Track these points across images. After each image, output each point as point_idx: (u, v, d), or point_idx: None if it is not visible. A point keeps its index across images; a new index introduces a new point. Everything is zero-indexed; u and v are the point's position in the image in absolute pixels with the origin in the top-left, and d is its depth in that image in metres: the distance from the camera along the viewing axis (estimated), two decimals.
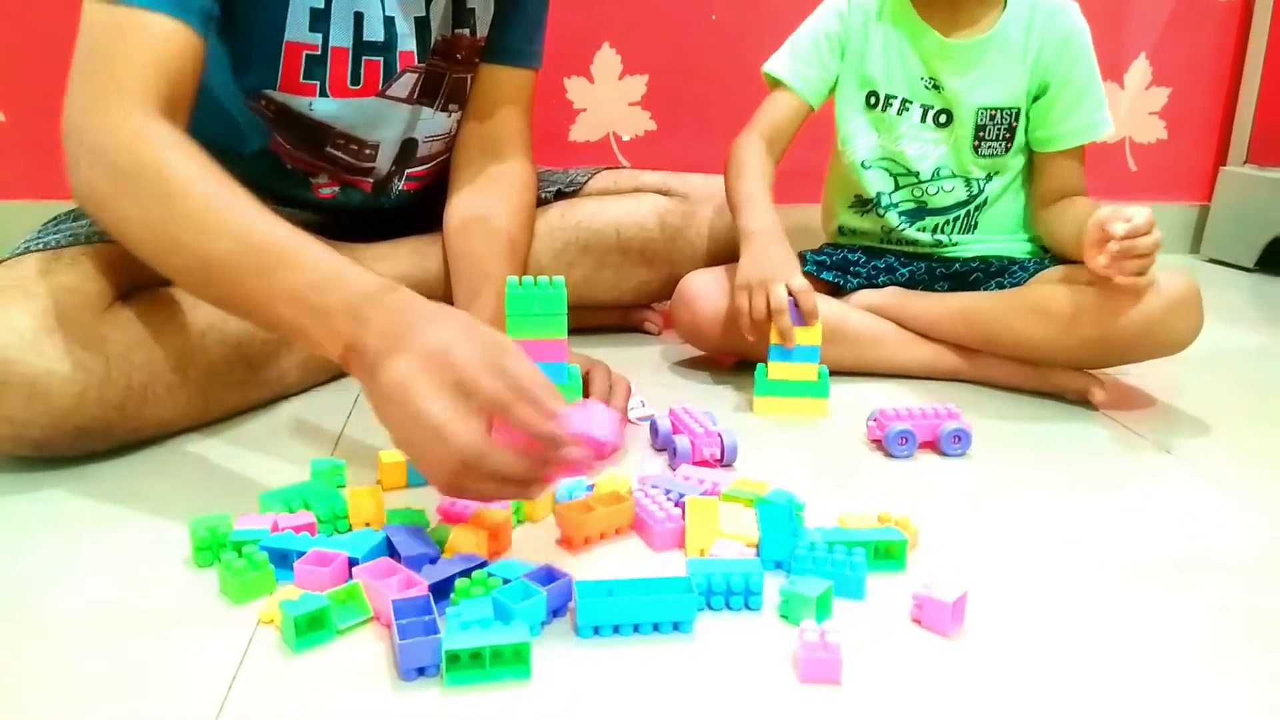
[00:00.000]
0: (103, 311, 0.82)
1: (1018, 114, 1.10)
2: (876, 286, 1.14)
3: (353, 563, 0.63)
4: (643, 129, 1.73)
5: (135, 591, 0.63)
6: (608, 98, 1.70)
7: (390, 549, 0.66)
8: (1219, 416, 1.02)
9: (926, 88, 1.10)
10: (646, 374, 1.12)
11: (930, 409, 0.90)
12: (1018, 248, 1.15)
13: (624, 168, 1.31)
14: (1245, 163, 1.80)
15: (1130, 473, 0.88)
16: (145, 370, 0.82)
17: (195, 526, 0.66)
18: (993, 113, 1.09)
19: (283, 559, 0.64)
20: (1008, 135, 1.10)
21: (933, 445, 0.89)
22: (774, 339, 0.97)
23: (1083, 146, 1.11)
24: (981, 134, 1.10)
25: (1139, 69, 1.81)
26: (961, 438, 0.88)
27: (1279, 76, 1.74)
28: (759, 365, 0.99)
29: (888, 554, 0.68)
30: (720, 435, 0.84)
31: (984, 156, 1.11)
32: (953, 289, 1.12)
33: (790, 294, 0.96)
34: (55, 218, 0.99)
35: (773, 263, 0.99)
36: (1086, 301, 0.97)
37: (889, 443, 0.88)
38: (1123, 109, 1.82)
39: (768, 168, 1.11)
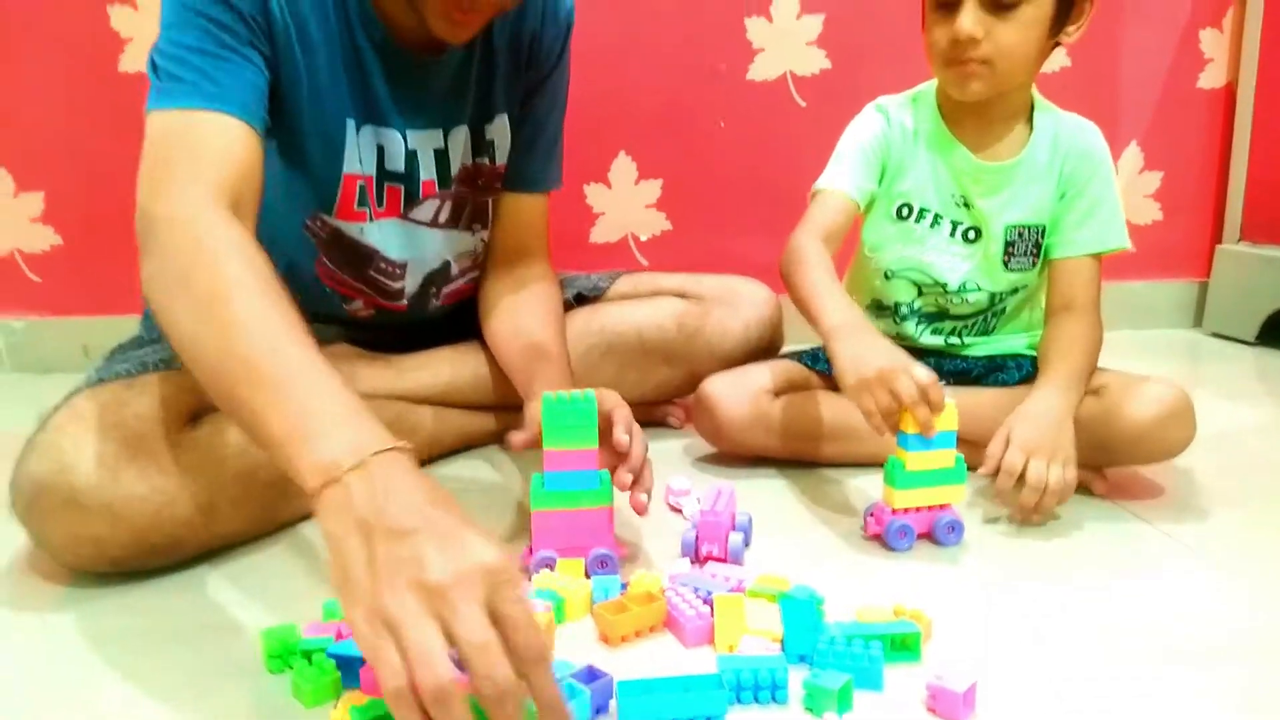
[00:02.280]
0: (173, 436, 0.90)
1: (1044, 230, 1.14)
2: None
3: None
4: (659, 229, 1.82)
5: (217, 699, 0.69)
6: (625, 201, 1.80)
7: None
8: (1222, 499, 1.07)
9: (957, 204, 1.14)
10: (673, 466, 1.19)
11: None
12: (1026, 345, 1.20)
13: (642, 271, 1.39)
14: (1239, 240, 1.87)
15: (1133, 559, 0.93)
16: (211, 489, 0.89)
17: (267, 637, 0.73)
18: (1021, 230, 1.14)
19: (348, 665, 0.70)
20: (1035, 250, 1.14)
21: (928, 535, 0.95)
22: (907, 428, 0.93)
23: (1095, 259, 1.13)
24: (1011, 249, 1.14)
25: (1131, 155, 1.90)
26: (955, 528, 0.94)
27: (1265, 159, 1.82)
28: (891, 459, 0.94)
29: (903, 646, 0.73)
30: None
31: (1013, 271, 1.15)
32: (957, 384, 1.18)
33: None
34: (120, 346, 1.07)
35: (880, 355, 0.94)
36: (1080, 412, 1.02)
37: (890, 537, 0.93)
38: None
39: (829, 260, 1.09)
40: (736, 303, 1.30)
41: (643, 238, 1.82)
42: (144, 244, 0.81)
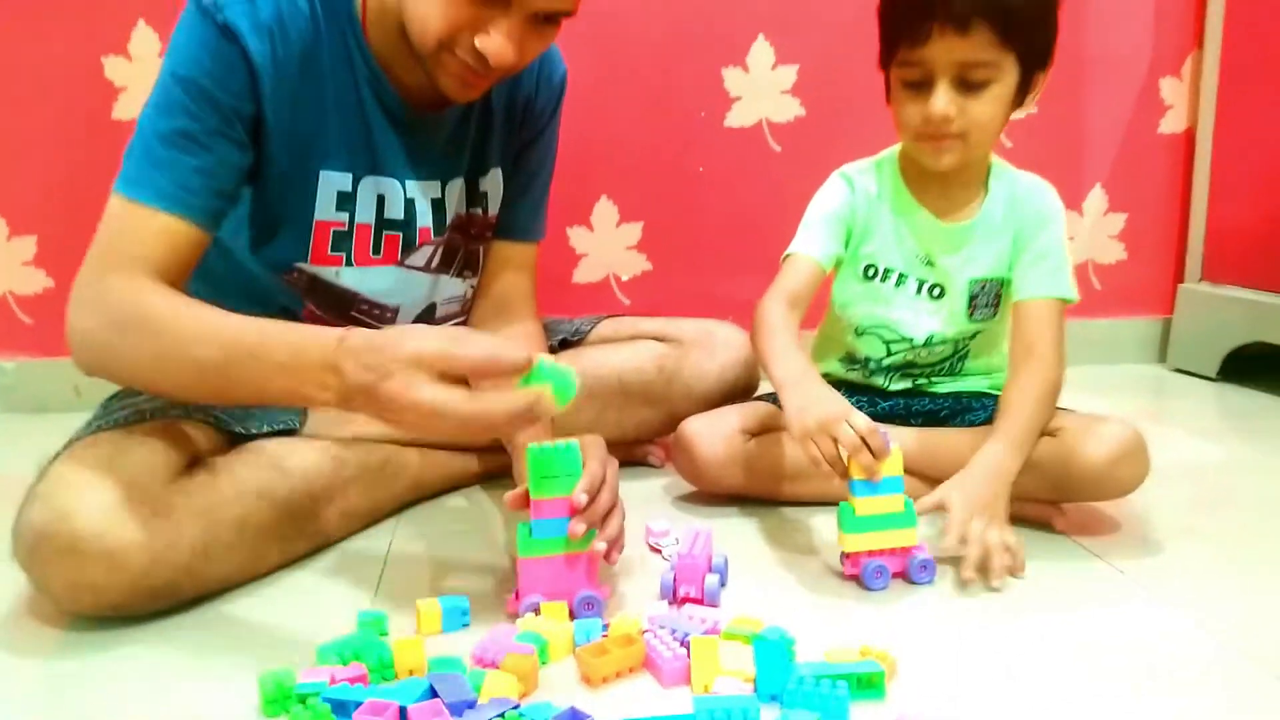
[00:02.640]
0: (170, 483, 0.93)
1: (1005, 281, 1.20)
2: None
3: (402, 711, 0.73)
4: (640, 269, 1.87)
5: None
6: (607, 243, 1.85)
7: (433, 693, 0.76)
8: (1176, 534, 1.12)
9: (921, 263, 1.20)
10: (653, 505, 1.23)
11: None
12: (989, 385, 1.26)
13: (623, 315, 1.43)
14: (1201, 280, 1.94)
15: (1088, 596, 0.97)
16: (207, 534, 0.93)
17: (264, 681, 0.76)
18: (983, 283, 1.19)
19: (341, 708, 0.74)
20: (996, 300, 1.20)
21: (903, 575, 0.99)
22: (855, 474, 0.97)
23: (1055, 303, 1.16)
24: (975, 301, 1.19)
25: (1096, 197, 1.96)
26: (928, 567, 0.98)
27: (1223, 202, 1.88)
28: (843, 504, 0.99)
29: (869, 685, 0.77)
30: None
31: (976, 320, 1.21)
32: (925, 424, 1.23)
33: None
34: (115, 394, 1.11)
35: (822, 404, 1.00)
36: (1038, 452, 1.08)
37: (866, 577, 0.97)
38: (1084, 234, 1.97)
39: (792, 324, 1.14)
40: (712, 346, 1.34)
41: (624, 278, 1.87)
42: (79, 308, 0.94)
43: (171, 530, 0.90)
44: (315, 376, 0.81)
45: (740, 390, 1.35)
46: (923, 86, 1.07)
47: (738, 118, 1.83)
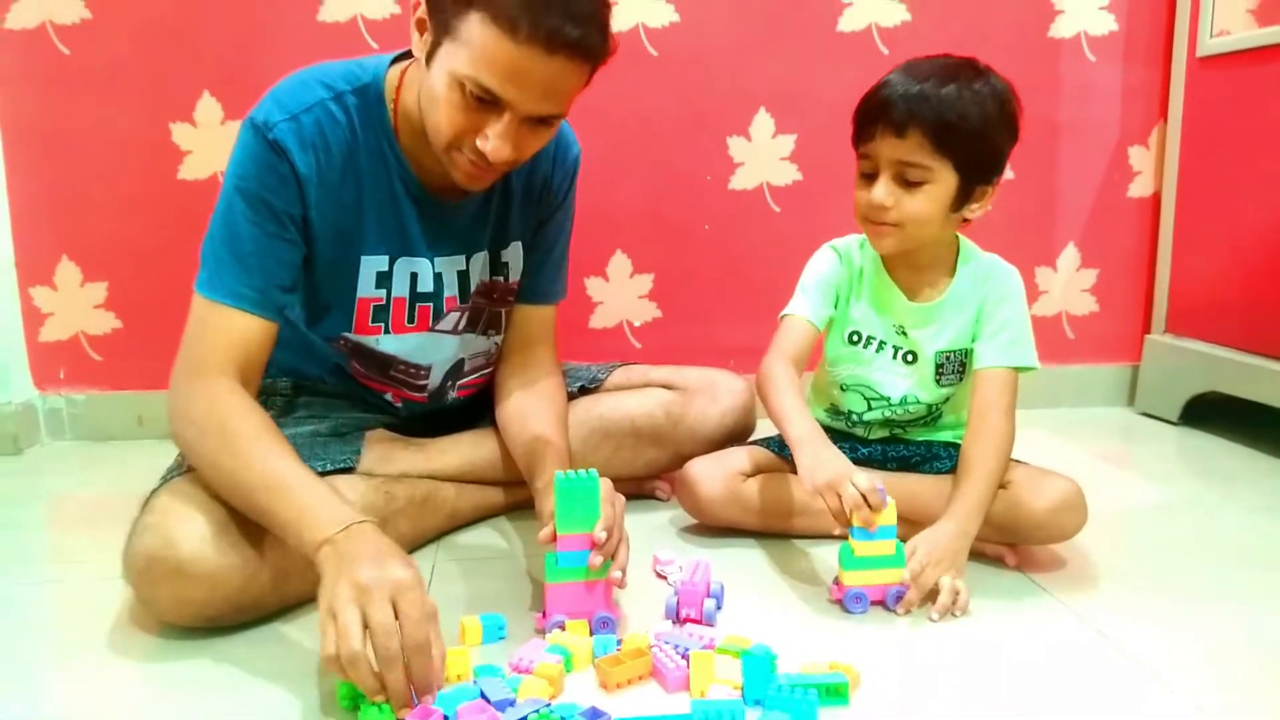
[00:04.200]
0: None
1: (968, 352, 1.32)
2: None
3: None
4: (651, 317, 2.05)
5: None
6: (621, 293, 2.03)
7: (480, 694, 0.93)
8: (1121, 571, 1.27)
9: (896, 333, 1.33)
10: (660, 536, 1.40)
11: None
12: (954, 436, 1.42)
13: (634, 364, 1.59)
14: (1165, 331, 2.10)
15: (1031, 623, 1.13)
16: (286, 559, 1.09)
17: (340, 682, 0.93)
18: (948, 354, 1.32)
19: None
20: (960, 369, 1.34)
21: (881, 602, 1.15)
22: (856, 522, 1.12)
23: (1008, 372, 1.28)
24: (941, 370, 1.34)
25: (1070, 254, 2.13)
26: (901, 597, 1.15)
27: (1186, 260, 2.05)
28: (843, 544, 1.15)
29: (835, 693, 0.94)
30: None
31: (944, 386, 1.35)
32: (900, 468, 1.40)
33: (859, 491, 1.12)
34: None
35: (829, 467, 1.15)
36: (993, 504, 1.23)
37: (848, 602, 1.14)
38: (1058, 287, 2.14)
39: (797, 381, 1.28)
40: (715, 393, 1.51)
41: (636, 324, 2.05)
42: (175, 404, 1.11)
43: (257, 556, 1.07)
44: (311, 537, 0.96)
45: (739, 433, 1.51)
46: (871, 178, 1.22)
47: (741, 181, 2.01)
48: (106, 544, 1.12)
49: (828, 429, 1.40)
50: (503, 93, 1.05)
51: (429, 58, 1.09)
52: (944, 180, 1.21)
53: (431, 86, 1.09)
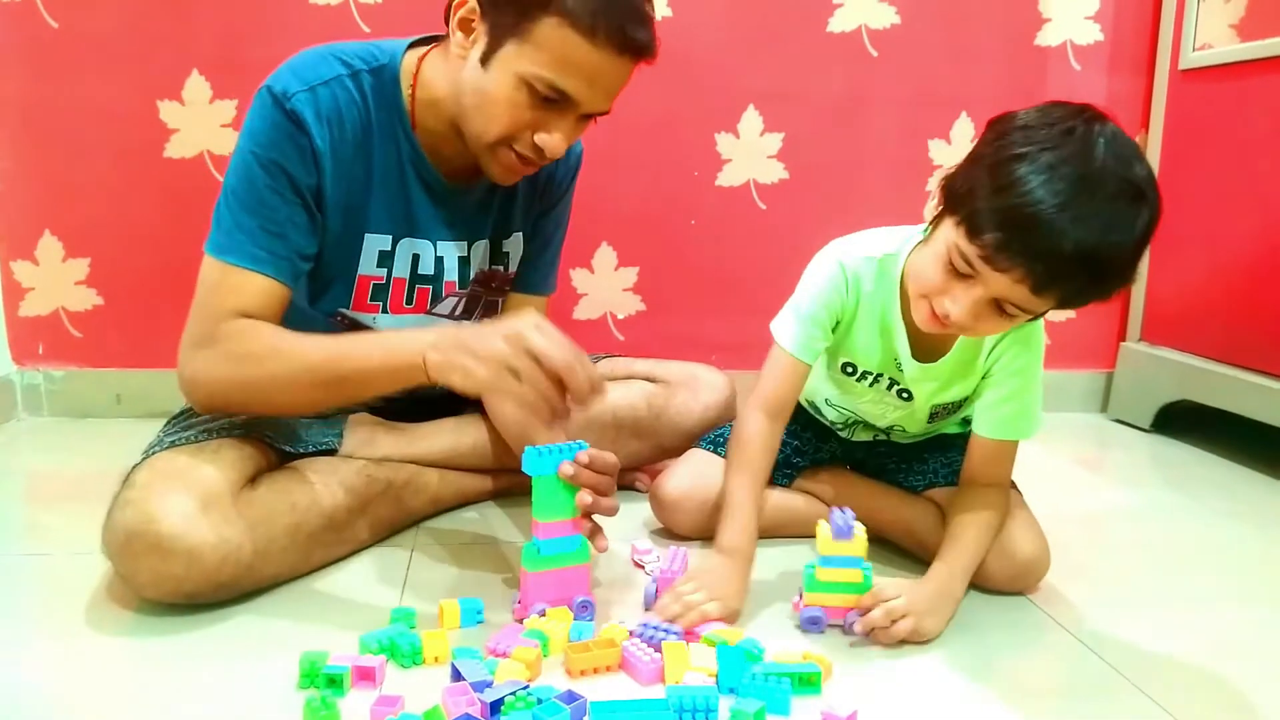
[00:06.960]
0: (236, 494, 1.11)
1: (966, 399, 1.24)
2: (822, 464, 1.41)
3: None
4: (635, 310, 2.06)
5: (249, 706, 0.91)
6: (606, 285, 2.04)
7: (457, 675, 0.94)
8: (1091, 575, 1.30)
9: (895, 368, 1.22)
10: (639, 529, 1.41)
11: None
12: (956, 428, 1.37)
13: (618, 356, 1.61)
14: (1140, 340, 2.14)
15: (998, 624, 1.15)
16: (265, 538, 1.10)
17: (303, 660, 0.94)
18: (945, 405, 1.25)
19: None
20: (956, 409, 1.28)
21: (839, 624, 1.11)
22: (824, 550, 1.08)
23: (1007, 445, 1.19)
24: (935, 414, 1.27)
25: None
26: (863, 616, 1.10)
27: (1160, 273, 2.08)
28: (807, 565, 1.10)
29: (807, 682, 0.95)
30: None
31: (934, 424, 1.31)
32: (873, 473, 1.38)
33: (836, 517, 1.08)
34: (180, 414, 1.28)
35: (725, 589, 1.10)
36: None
37: (803, 622, 1.10)
38: None
39: (771, 446, 1.21)
40: (696, 387, 1.52)
41: (620, 316, 2.06)
42: (193, 353, 1.12)
43: (237, 535, 1.07)
44: (406, 360, 1.02)
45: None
46: (963, 278, 1.01)
47: (728, 178, 2.03)
48: (84, 519, 1.13)
49: (808, 421, 1.42)
50: (576, 93, 1.10)
51: (485, 58, 1.12)
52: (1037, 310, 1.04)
53: (486, 86, 1.12)
